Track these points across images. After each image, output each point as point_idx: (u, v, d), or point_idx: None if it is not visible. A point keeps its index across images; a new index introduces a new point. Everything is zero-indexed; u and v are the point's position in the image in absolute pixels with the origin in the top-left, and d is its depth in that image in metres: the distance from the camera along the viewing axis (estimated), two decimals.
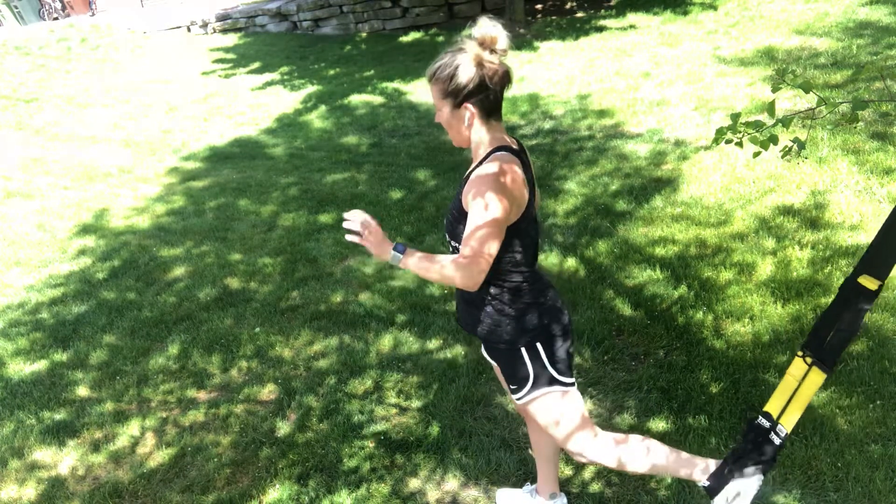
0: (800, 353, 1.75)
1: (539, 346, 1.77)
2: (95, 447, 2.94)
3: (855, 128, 4.47)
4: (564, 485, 2.39)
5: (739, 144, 1.82)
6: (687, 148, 5.00)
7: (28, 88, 10.24)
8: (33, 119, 8.74)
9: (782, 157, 1.86)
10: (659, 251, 3.75)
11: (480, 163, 1.66)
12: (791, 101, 5.25)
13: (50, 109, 9.17)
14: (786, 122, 1.67)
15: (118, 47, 12.89)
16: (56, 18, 17.09)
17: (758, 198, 4.08)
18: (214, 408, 3.09)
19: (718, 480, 1.80)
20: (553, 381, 1.79)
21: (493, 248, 1.57)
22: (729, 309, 3.16)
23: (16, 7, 17.41)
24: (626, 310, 3.32)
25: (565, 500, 2.30)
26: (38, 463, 2.90)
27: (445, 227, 1.79)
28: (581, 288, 3.55)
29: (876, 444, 2.34)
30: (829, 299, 3.06)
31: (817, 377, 1.72)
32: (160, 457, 2.84)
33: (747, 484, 1.78)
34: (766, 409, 1.80)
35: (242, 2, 14.97)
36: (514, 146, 1.71)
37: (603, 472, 2.42)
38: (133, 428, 3.03)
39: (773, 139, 1.72)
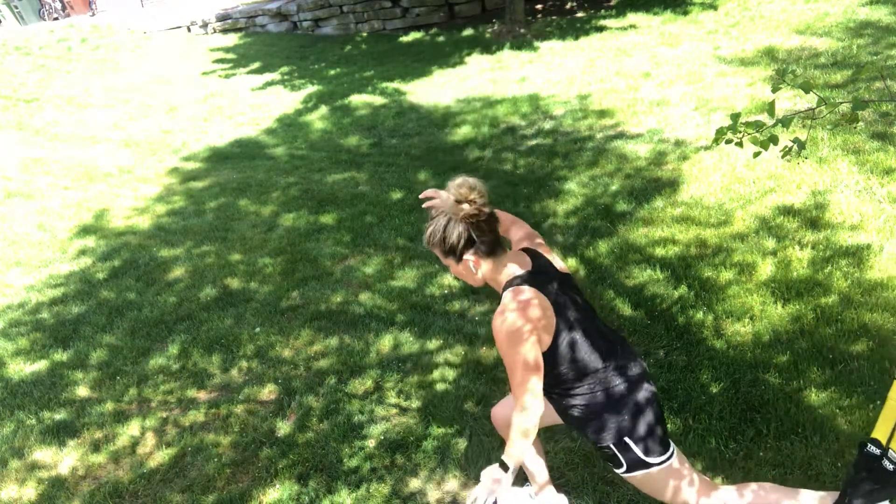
0: None
1: (627, 439, 1.80)
2: (96, 447, 2.95)
3: (855, 128, 4.47)
4: (564, 485, 2.39)
5: (739, 144, 1.81)
6: (687, 148, 5.00)
7: (28, 88, 10.24)
8: (33, 119, 8.74)
9: (782, 157, 1.85)
10: (659, 251, 3.75)
11: (499, 299, 1.77)
12: (791, 101, 5.25)
13: (50, 109, 9.17)
14: (786, 122, 1.66)
15: (118, 47, 12.89)
16: (56, 18, 17.10)
17: (758, 198, 4.08)
18: (215, 408, 3.09)
19: None
20: (648, 465, 1.82)
21: (534, 384, 1.67)
22: (729, 309, 3.16)
23: (16, 7, 17.41)
24: (626, 310, 3.32)
25: (566, 499, 2.30)
26: (39, 463, 2.90)
27: None
28: (581, 288, 3.54)
29: None
30: (830, 299, 3.07)
31: None
32: (160, 457, 2.84)
33: None
34: (873, 435, 1.76)
35: (242, 2, 14.96)
36: (529, 267, 1.78)
37: (603, 472, 2.42)
38: (133, 428, 3.04)
39: (774, 139, 1.71)
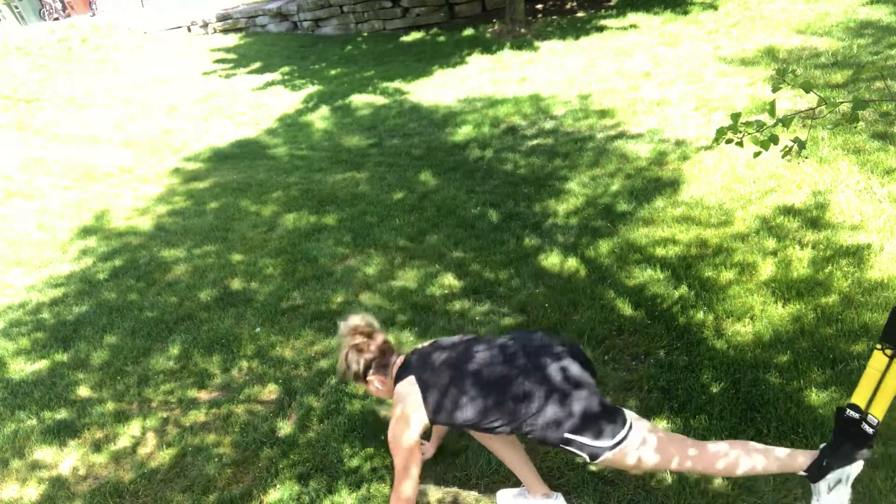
0: (878, 347, 1.78)
1: (567, 435, 1.83)
2: (96, 447, 2.95)
3: (855, 127, 4.47)
4: (564, 485, 2.39)
5: (740, 144, 1.82)
6: (688, 148, 5.00)
7: (29, 88, 10.24)
8: (34, 119, 8.74)
9: (783, 156, 1.86)
10: (660, 251, 3.75)
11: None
12: (792, 100, 5.25)
13: (51, 109, 9.18)
14: (786, 121, 1.67)
15: (119, 47, 12.90)
16: (56, 18, 17.12)
17: (759, 198, 4.08)
18: (215, 408, 3.09)
19: (818, 472, 1.86)
20: (607, 449, 1.82)
21: (412, 469, 1.90)
22: (730, 309, 3.16)
23: (16, 7, 17.43)
24: (626, 309, 3.32)
25: (562, 498, 2.31)
26: (40, 463, 2.90)
27: None
28: (582, 288, 3.55)
29: (876, 444, 2.34)
30: (831, 299, 3.07)
31: None
32: (161, 457, 2.84)
33: (848, 469, 1.84)
34: (852, 400, 1.84)
35: (243, 2, 14.97)
36: (402, 362, 2.11)
37: (604, 472, 2.42)
38: (134, 428, 3.04)
39: (774, 139, 1.72)
